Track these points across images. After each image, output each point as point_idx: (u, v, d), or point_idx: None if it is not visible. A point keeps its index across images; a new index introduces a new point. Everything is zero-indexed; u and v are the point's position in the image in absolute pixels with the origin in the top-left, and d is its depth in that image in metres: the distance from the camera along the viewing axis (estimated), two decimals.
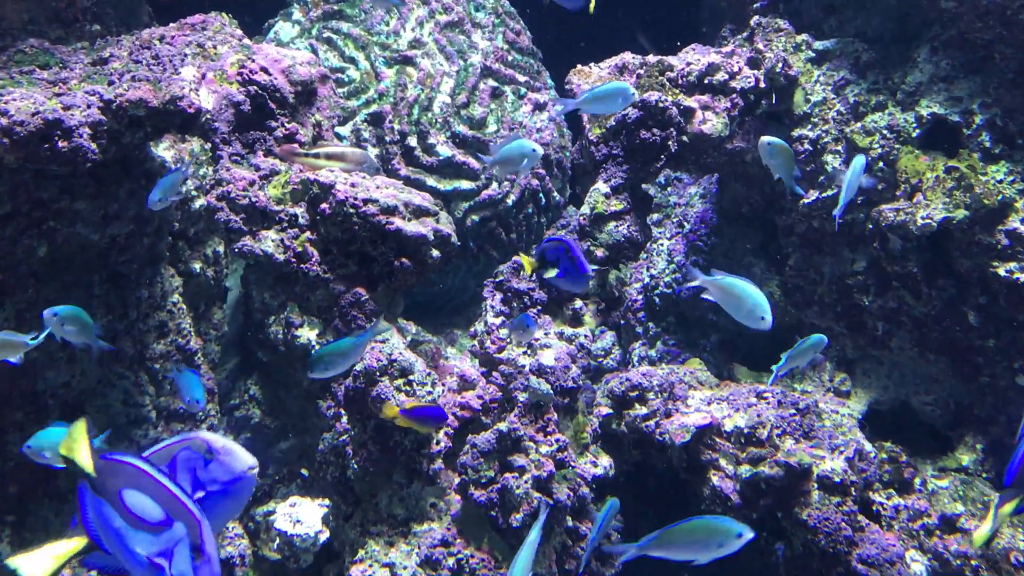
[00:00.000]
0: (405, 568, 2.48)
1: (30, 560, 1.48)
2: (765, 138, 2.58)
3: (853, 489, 2.60)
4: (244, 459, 1.63)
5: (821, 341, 2.56)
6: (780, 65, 3.24)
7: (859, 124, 3.11)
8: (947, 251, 2.92)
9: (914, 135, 3.00)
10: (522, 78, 4.23)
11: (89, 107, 2.35)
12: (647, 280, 3.70)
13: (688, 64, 3.33)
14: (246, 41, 2.90)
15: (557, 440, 2.64)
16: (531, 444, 2.61)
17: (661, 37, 4.85)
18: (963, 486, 2.81)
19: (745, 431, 2.68)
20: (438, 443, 2.68)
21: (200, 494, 1.64)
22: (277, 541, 2.75)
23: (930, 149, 2.98)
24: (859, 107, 3.16)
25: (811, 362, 2.70)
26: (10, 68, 2.44)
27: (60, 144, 2.27)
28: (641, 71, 3.32)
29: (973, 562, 2.65)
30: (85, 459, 1.48)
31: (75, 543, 1.52)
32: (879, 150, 3.04)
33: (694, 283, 2.37)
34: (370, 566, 2.48)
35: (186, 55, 2.62)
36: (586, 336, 3.38)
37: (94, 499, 1.48)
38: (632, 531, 2.90)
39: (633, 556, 2.06)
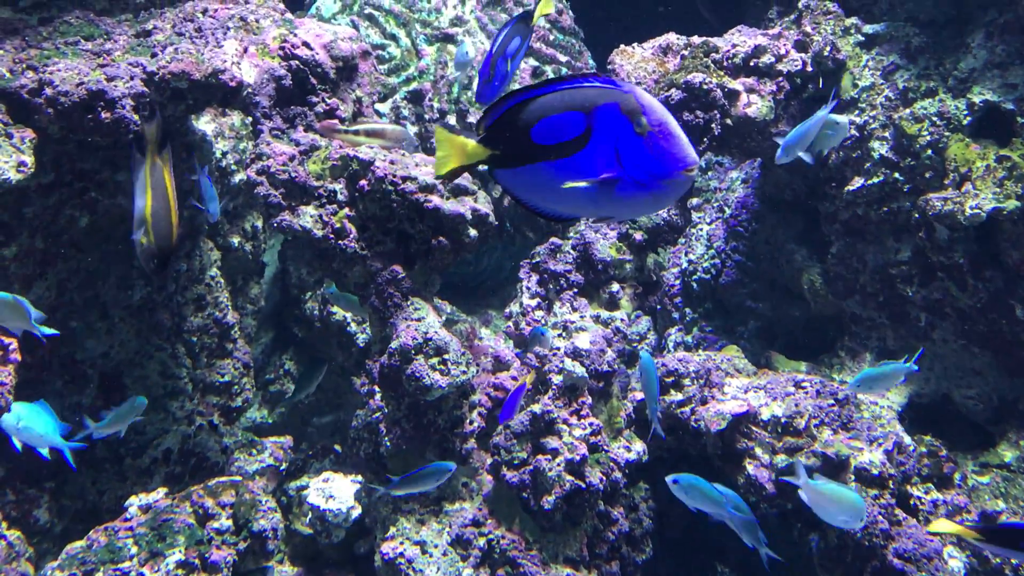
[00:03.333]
0: (436, 546, 2.48)
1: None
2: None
3: (891, 482, 2.55)
4: (685, 152, 1.23)
5: (907, 370, 2.57)
6: (828, 48, 3.17)
7: (908, 110, 3.03)
8: (995, 242, 2.84)
9: (965, 123, 2.92)
10: (563, 58, 4.19)
11: (132, 79, 2.36)
12: (685, 265, 3.65)
13: (734, 46, 3.27)
14: (288, 15, 2.89)
15: (591, 424, 2.62)
16: (564, 427, 2.60)
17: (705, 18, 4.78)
18: (1005, 483, 2.75)
19: (782, 420, 2.64)
20: (471, 423, 2.67)
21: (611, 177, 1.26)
22: (310, 516, 2.76)
23: (981, 137, 2.90)
24: (908, 93, 3.08)
25: (887, 386, 2.66)
26: (55, 39, 2.46)
27: (103, 115, 2.28)
28: (685, 52, 3.27)
29: (1014, 560, 2.60)
30: None
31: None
32: (928, 137, 2.96)
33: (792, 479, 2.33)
34: (401, 543, 2.48)
35: (228, 28, 2.61)
36: (622, 320, 3.36)
37: None
38: (664, 517, 2.89)
39: None
